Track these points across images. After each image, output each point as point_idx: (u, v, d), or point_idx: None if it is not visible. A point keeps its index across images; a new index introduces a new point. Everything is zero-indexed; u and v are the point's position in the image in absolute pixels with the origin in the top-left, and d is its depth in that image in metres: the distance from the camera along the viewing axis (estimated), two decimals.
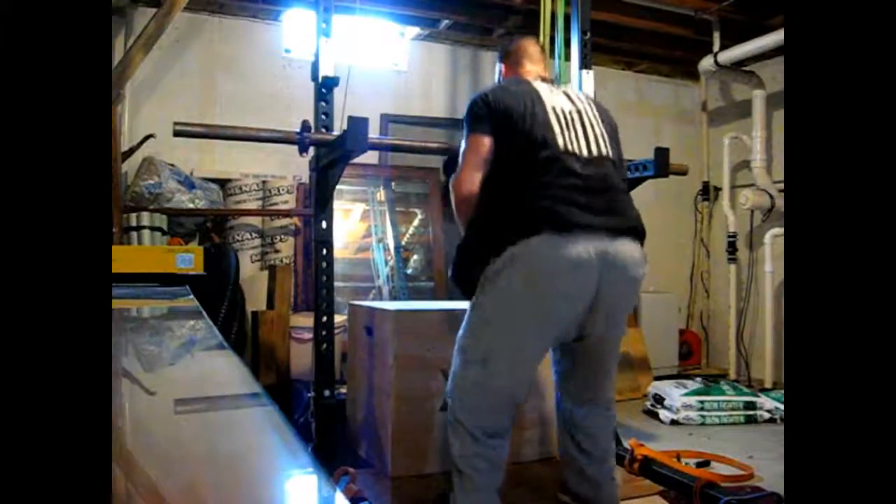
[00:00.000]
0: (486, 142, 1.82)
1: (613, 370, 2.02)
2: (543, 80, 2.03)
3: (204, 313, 1.63)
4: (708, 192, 5.50)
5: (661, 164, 2.59)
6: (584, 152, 1.84)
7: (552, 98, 1.91)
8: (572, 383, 1.98)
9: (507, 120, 1.82)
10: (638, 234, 1.86)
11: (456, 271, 1.93)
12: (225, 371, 1.12)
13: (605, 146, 1.90)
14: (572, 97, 1.98)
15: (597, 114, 1.97)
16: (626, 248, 1.78)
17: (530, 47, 2.14)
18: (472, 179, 1.82)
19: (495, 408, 1.79)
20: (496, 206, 1.80)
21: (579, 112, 1.92)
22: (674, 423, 3.76)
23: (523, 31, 4.41)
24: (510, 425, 1.85)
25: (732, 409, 3.82)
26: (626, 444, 2.48)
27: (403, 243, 4.37)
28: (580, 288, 1.73)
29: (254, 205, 4.01)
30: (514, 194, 1.77)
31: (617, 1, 4.16)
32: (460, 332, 1.87)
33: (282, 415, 0.74)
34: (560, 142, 1.81)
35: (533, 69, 2.08)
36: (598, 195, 1.78)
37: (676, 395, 3.83)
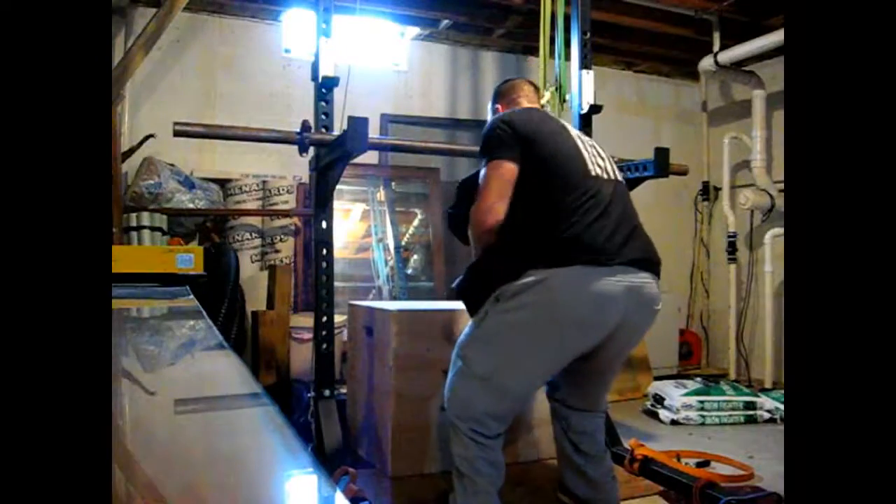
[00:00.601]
0: (512, 168, 1.73)
1: (612, 381, 2.02)
2: None
3: (204, 313, 1.63)
4: (708, 192, 5.50)
5: (661, 164, 2.60)
6: (605, 176, 1.80)
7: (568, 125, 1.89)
8: (572, 394, 1.97)
9: (533, 141, 1.75)
10: (658, 268, 1.81)
11: (465, 287, 1.86)
12: (225, 371, 1.12)
13: (617, 173, 1.88)
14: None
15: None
16: (649, 282, 1.75)
17: (525, 86, 2.11)
18: (497, 210, 1.71)
19: (495, 416, 1.77)
20: (521, 229, 1.71)
21: (586, 139, 1.92)
22: (674, 423, 3.76)
23: (523, 31, 4.42)
24: (509, 426, 1.85)
25: (732, 409, 3.82)
26: (626, 444, 2.48)
27: (403, 243, 4.38)
28: (604, 320, 1.69)
29: (254, 205, 4.01)
30: (543, 218, 1.70)
31: (617, 1, 4.16)
32: (462, 338, 1.83)
33: (282, 415, 0.74)
34: (589, 166, 1.77)
35: (531, 106, 2.04)
36: (622, 223, 1.74)
37: (676, 395, 3.83)
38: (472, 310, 1.82)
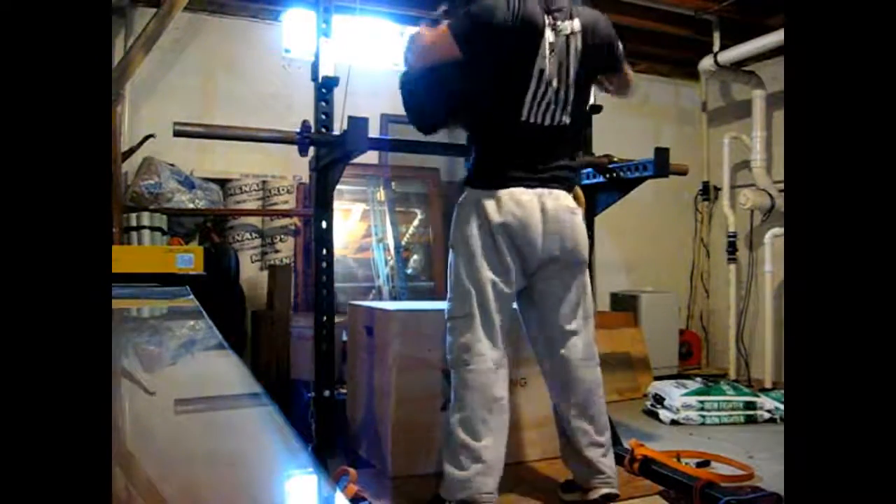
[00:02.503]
0: (455, 50, 1.94)
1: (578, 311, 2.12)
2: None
3: (204, 313, 1.63)
4: (708, 192, 5.50)
5: (661, 164, 2.59)
6: (539, 122, 1.97)
7: (547, 50, 1.93)
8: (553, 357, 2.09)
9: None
10: (565, 183, 2.05)
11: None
12: (225, 371, 1.12)
13: (563, 118, 2.00)
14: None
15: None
16: (554, 191, 1.98)
17: None
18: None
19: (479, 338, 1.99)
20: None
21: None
22: (674, 423, 3.76)
23: None
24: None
25: (732, 409, 3.82)
26: (626, 444, 2.48)
27: (403, 243, 4.37)
28: (520, 221, 1.95)
29: (254, 205, 4.01)
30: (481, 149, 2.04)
31: (617, 1, 4.16)
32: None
33: (282, 415, 0.74)
34: (524, 112, 1.94)
35: None
36: (539, 155, 1.98)
37: (676, 395, 3.83)
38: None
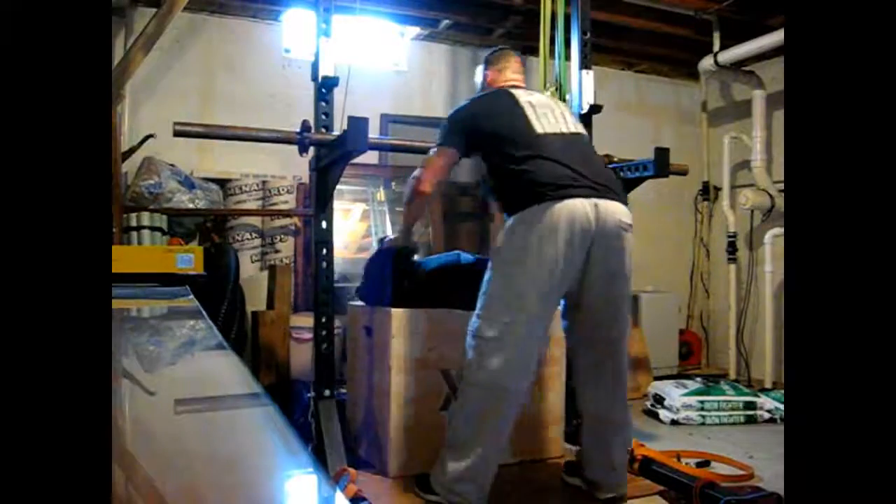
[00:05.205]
0: (452, 152, 2.12)
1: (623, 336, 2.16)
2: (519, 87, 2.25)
3: (204, 313, 1.63)
4: (708, 192, 5.49)
5: (661, 164, 2.60)
6: (553, 131, 2.06)
7: (526, 96, 2.16)
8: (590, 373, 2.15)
9: (475, 126, 2.11)
10: (616, 190, 2.06)
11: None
12: (225, 371, 1.12)
13: (577, 127, 2.16)
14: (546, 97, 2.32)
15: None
16: (609, 200, 1.97)
17: (511, 58, 2.36)
18: (431, 185, 2.12)
19: (511, 369, 1.98)
20: (498, 192, 2.11)
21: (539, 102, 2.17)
22: (674, 423, 3.76)
23: (523, 31, 4.42)
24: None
25: (732, 409, 3.82)
26: None
27: None
28: (571, 237, 1.92)
29: (254, 205, 4.01)
30: (506, 177, 2.05)
31: (617, 1, 4.16)
32: (471, 324, 2.03)
33: (282, 415, 0.74)
34: (535, 126, 2.05)
35: (513, 77, 2.31)
36: (576, 162, 1.99)
37: (676, 395, 3.83)
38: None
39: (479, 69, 2.41)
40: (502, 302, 1.93)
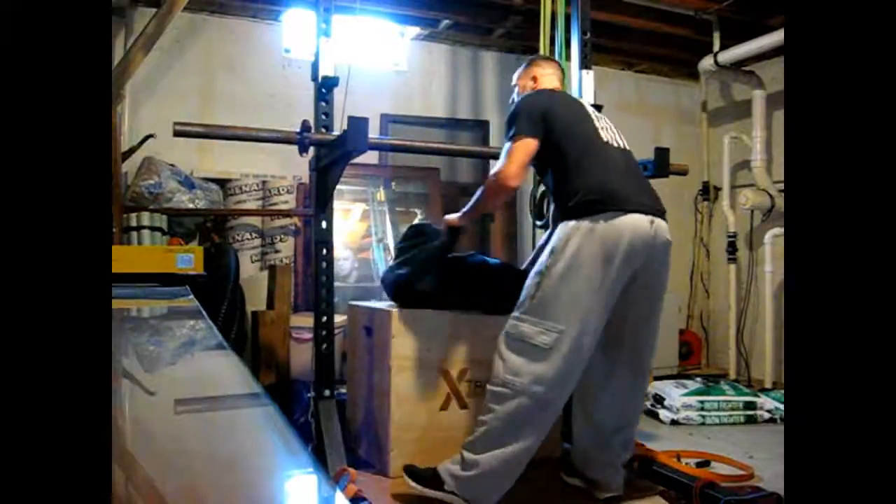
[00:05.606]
0: (533, 142, 2.00)
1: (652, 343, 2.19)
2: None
3: (204, 313, 1.63)
4: (708, 192, 5.49)
5: (661, 164, 2.59)
6: (614, 144, 2.07)
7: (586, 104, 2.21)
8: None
9: (553, 119, 2.03)
10: (663, 213, 2.05)
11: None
12: (225, 371, 1.12)
13: (626, 143, 2.14)
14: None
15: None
16: (658, 220, 1.96)
17: (552, 65, 2.37)
18: (519, 176, 2.01)
19: (557, 378, 1.93)
20: (557, 195, 2.08)
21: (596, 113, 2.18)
22: (674, 423, 3.76)
23: (523, 31, 4.42)
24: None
25: (732, 409, 3.82)
26: None
27: None
28: (626, 250, 1.89)
29: (254, 205, 4.01)
30: (569, 181, 2.00)
31: (617, 1, 4.16)
32: (509, 326, 1.97)
33: (282, 415, 0.74)
34: (602, 134, 2.05)
35: (557, 85, 2.31)
36: (632, 179, 2.00)
37: (676, 395, 3.83)
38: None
39: (521, 71, 2.37)
40: (559, 308, 1.85)
